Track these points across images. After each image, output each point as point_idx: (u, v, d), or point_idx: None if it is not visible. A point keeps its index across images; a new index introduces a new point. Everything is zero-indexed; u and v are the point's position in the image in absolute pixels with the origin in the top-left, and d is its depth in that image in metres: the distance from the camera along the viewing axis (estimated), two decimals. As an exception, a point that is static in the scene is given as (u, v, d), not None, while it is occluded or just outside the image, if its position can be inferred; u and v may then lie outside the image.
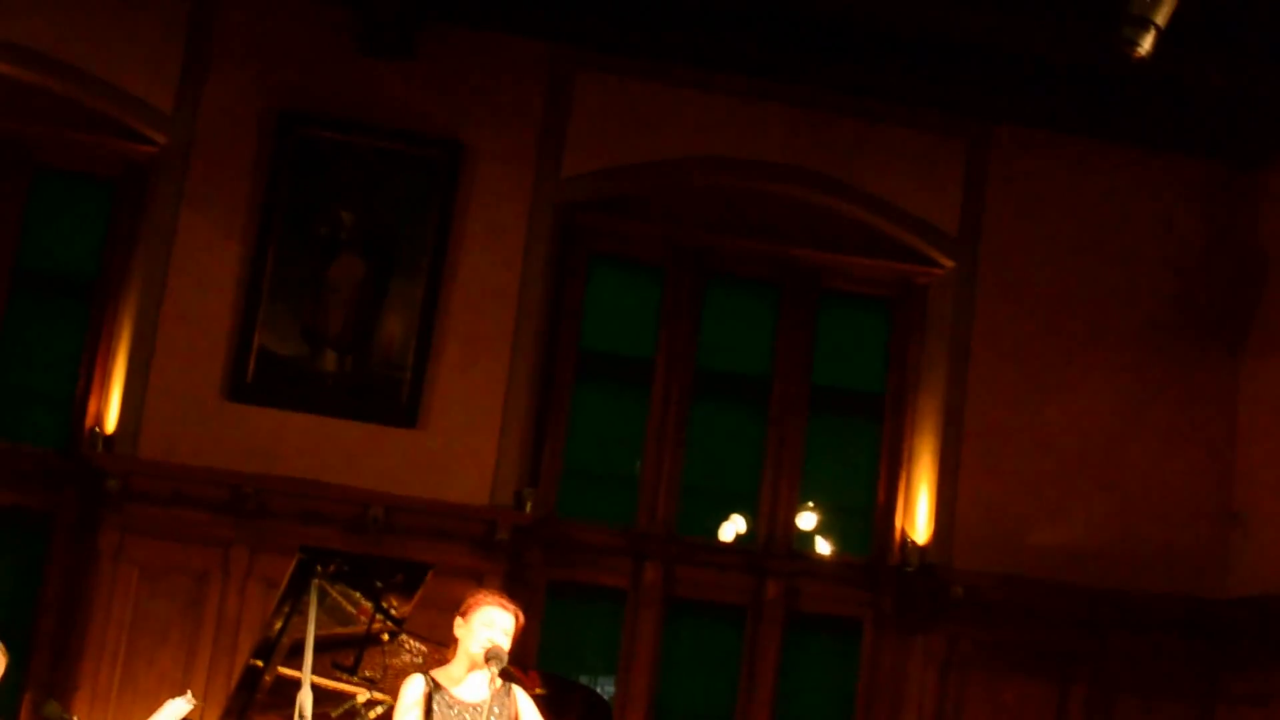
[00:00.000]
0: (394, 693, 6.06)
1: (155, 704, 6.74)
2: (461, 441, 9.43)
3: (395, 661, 6.89)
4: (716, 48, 9.85)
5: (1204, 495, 9.94)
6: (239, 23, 9.60)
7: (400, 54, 9.61)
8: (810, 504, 10.02)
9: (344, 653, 6.80)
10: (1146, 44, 7.32)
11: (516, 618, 5.89)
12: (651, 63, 9.90)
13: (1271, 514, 9.60)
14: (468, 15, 9.71)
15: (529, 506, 9.37)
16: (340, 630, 6.73)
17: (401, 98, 9.68)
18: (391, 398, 9.40)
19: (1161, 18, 7.30)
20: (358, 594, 6.66)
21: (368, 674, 6.86)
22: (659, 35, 9.79)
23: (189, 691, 6.70)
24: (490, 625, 5.80)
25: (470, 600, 5.93)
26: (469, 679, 5.84)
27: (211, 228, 9.42)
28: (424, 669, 6.11)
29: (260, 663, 6.72)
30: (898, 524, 9.88)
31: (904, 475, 9.95)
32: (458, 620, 5.90)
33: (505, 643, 5.79)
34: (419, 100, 9.69)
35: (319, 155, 9.52)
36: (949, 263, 10.07)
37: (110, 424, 9.18)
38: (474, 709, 5.77)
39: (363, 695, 6.81)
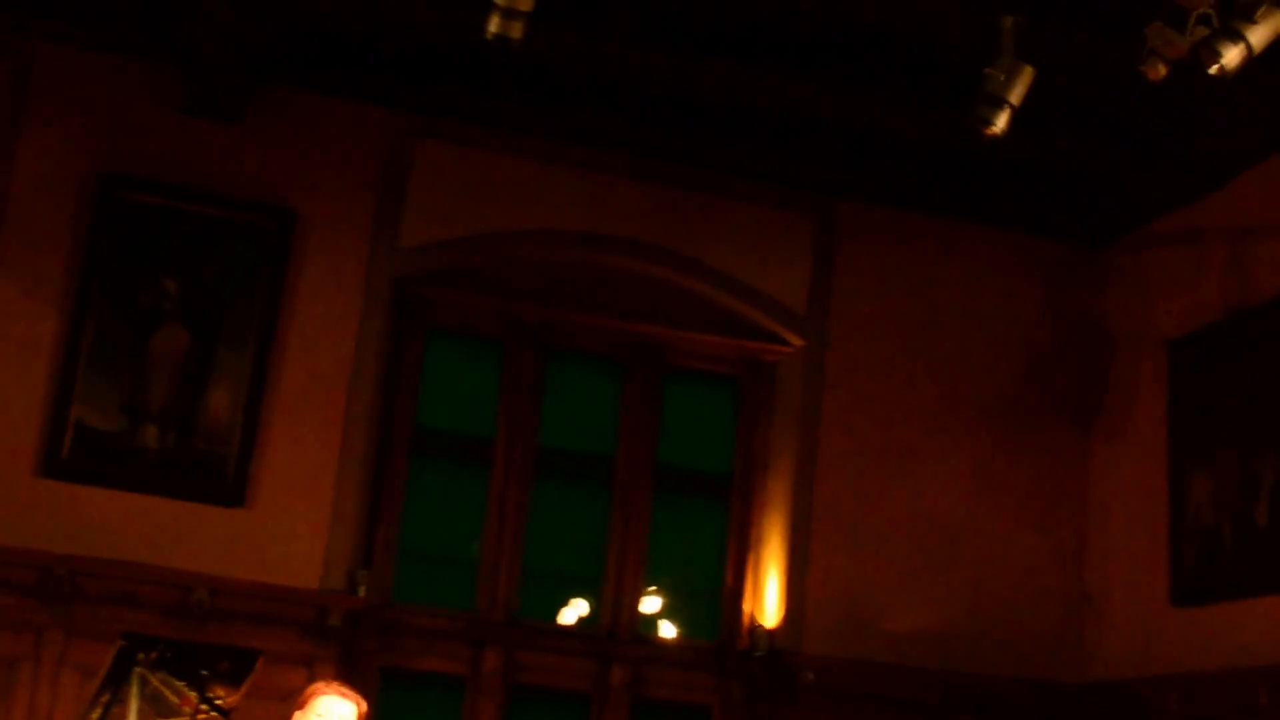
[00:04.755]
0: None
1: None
2: (291, 522, 8.96)
3: (219, 755, 6.50)
4: (560, 120, 9.60)
5: (1056, 577, 9.85)
6: (58, 79, 9.05)
7: (231, 117, 9.17)
8: (656, 587, 9.72)
9: (165, 746, 6.40)
10: (1000, 123, 7.34)
11: (358, 705, 5.89)
12: (494, 133, 9.59)
13: (1122, 596, 9.55)
14: (303, 79, 9.31)
15: (362, 590, 8.93)
16: (162, 721, 6.35)
17: (231, 163, 9.21)
18: (217, 475, 8.90)
19: (1016, 97, 7.32)
20: (181, 683, 6.25)
21: (190, 769, 6.44)
22: (502, 105, 9.50)
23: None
24: (327, 714, 5.82)
25: (308, 690, 5.97)
26: (308, 768, 5.73)
27: (24, 295, 8.84)
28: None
29: (75, 758, 6.31)
30: (746, 608, 9.63)
31: (752, 558, 9.71)
32: (295, 714, 5.88)
33: (343, 730, 5.71)
34: (250, 166, 9.24)
35: (142, 221, 8.99)
36: (797, 341, 9.90)
37: (-89, 501, 8.54)
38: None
39: (185, 792, 6.39)
